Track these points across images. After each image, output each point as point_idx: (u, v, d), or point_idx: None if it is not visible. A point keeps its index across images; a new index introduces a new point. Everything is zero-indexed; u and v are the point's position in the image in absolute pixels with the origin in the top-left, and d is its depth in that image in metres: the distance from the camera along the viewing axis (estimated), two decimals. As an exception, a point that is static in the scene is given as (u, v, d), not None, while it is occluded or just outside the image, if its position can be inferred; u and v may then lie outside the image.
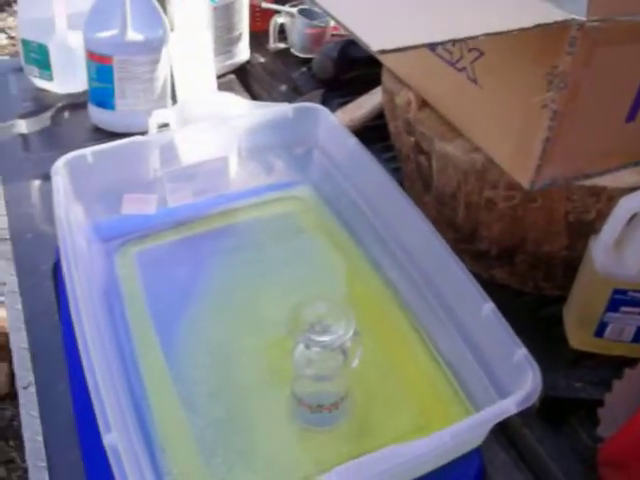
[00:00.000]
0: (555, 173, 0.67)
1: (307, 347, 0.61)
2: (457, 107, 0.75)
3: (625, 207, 0.64)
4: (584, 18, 0.56)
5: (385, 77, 0.86)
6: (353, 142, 0.83)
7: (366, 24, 0.54)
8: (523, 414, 0.57)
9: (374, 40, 0.51)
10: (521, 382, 0.57)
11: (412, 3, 0.58)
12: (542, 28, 0.55)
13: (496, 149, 0.70)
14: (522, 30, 0.54)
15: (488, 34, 0.53)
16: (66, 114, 1.11)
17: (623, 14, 0.57)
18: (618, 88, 0.64)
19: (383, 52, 0.50)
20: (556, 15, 0.56)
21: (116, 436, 0.51)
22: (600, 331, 0.71)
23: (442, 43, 0.55)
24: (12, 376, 0.73)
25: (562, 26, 0.56)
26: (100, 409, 0.53)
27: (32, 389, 0.71)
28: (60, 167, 0.75)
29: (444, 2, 0.58)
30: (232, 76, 1.24)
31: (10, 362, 0.75)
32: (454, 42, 0.56)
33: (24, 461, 0.67)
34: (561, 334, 0.75)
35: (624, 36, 0.59)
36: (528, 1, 0.58)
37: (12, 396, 1.47)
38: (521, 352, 0.59)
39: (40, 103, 1.13)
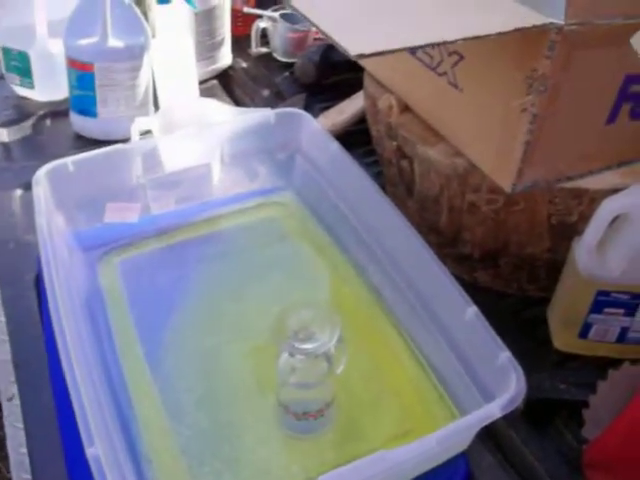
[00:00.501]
0: (536, 176, 0.67)
1: (291, 355, 0.60)
2: (438, 111, 0.75)
3: (607, 209, 0.64)
4: (562, 22, 0.56)
5: (367, 81, 0.86)
6: (335, 147, 0.83)
7: (344, 28, 0.54)
8: (508, 416, 0.57)
9: (352, 44, 0.51)
10: (505, 385, 0.57)
11: (391, 7, 0.58)
12: (521, 32, 0.55)
13: (477, 153, 0.70)
14: (501, 34, 0.54)
15: (467, 38, 0.53)
16: (48, 122, 1.10)
17: (601, 17, 0.57)
18: (598, 91, 0.64)
19: (361, 57, 0.50)
20: (535, 19, 0.56)
21: (99, 449, 0.51)
22: (584, 332, 0.72)
23: (420, 47, 0.55)
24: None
25: (541, 30, 0.56)
26: (83, 421, 0.53)
27: (16, 401, 0.70)
28: (41, 177, 0.75)
29: (423, 6, 0.58)
30: (214, 81, 1.24)
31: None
32: (433, 46, 0.55)
33: (9, 472, 0.66)
34: (545, 335, 0.75)
35: (602, 39, 0.59)
36: (507, 5, 0.59)
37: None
38: (505, 355, 0.59)
39: (21, 111, 1.12)
